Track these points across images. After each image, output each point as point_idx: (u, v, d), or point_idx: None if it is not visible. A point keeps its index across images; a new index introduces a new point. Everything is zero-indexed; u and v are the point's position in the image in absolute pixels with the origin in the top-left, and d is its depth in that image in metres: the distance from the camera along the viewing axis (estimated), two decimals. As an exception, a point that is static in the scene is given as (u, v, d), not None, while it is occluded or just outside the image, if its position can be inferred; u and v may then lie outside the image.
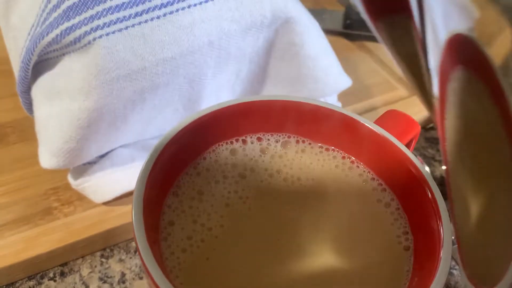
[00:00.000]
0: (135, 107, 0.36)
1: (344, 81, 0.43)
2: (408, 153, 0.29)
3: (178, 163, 0.28)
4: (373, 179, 0.30)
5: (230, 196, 0.28)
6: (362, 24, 0.58)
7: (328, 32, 0.59)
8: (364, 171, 0.30)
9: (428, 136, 0.53)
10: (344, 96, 0.52)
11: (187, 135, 0.28)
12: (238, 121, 0.30)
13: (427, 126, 0.53)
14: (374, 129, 0.30)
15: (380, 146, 0.30)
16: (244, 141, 0.30)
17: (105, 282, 0.39)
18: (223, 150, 0.30)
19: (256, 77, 0.42)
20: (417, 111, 0.52)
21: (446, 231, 0.25)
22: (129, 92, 0.35)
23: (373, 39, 0.59)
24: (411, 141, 0.34)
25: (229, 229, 0.27)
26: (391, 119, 0.33)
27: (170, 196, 0.28)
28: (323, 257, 0.26)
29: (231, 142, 0.30)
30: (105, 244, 0.40)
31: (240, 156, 0.30)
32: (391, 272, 0.26)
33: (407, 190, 0.28)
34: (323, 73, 0.41)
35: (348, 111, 0.30)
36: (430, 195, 0.26)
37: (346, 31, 0.58)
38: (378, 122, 0.32)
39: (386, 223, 0.28)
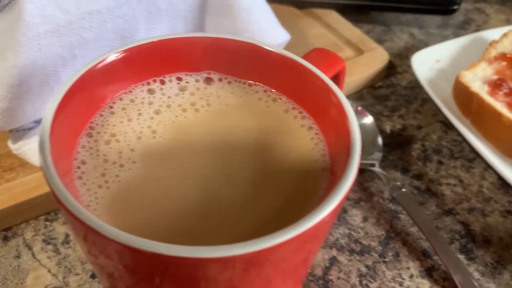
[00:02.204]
0: (66, 64, 0.37)
1: (281, 35, 0.43)
2: (328, 81, 0.29)
3: (91, 103, 0.28)
4: (294, 108, 0.30)
5: (143, 131, 0.28)
6: (309, -8, 0.59)
7: (277, 1, 0.60)
8: (285, 102, 0.30)
9: (376, 94, 0.53)
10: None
11: (100, 74, 0.28)
12: (156, 61, 0.30)
13: (376, 85, 0.54)
14: (296, 60, 0.30)
15: (301, 77, 0.30)
16: (162, 81, 0.30)
17: (48, 243, 0.39)
18: (140, 90, 0.30)
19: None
20: (363, 70, 0.52)
21: (354, 151, 0.25)
22: (57, 47, 0.35)
23: (321, 5, 0.60)
24: (338, 77, 0.35)
25: (142, 163, 0.27)
26: (316, 55, 0.33)
27: (83, 136, 0.28)
28: (242, 182, 0.27)
29: (148, 83, 0.30)
30: (49, 208, 0.40)
31: (158, 95, 0.30)
32: (310, 189, 0.26)
33: (326, 117, 0.29)
34: (259, 26, 0.41)
35: (270, 46, 0.31)
36: (348, 123, 0.26)
37: (294, -1, 0.59)
38: (304, 57, 0.33)
39: (306, 148, 0.28)
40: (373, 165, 0.44)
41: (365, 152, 0.45)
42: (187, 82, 0.31)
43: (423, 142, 0.48)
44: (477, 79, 0.48)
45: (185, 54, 0.30)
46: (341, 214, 0.42)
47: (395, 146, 0.48)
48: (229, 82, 0.31)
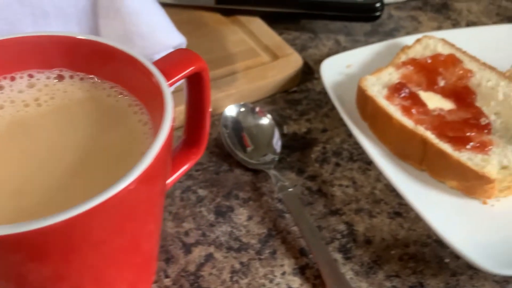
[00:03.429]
0: None
1: (174, 38, 0.45)
2: (153, 70, 0.30)
3: None
4: (126, 96, 0.32)
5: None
6: (234, -1, 0.61)
7: (202, 8, 0.61)
8: (129, 96, 0.32)
9: (289, 98, 0.54)
10: (207, 63, 0.54)
11: None
12: (6, 59, 0.31)
13: (290, 90, 0.55)
14: (128, 53, 0.31)
15: (133, 68, 0.31)
16: (12, 78, 0.32)
17: None
18: (-13, 87, 0.31)
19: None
20: (275, 74, 0.53)
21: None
22: None
23: (246, 13, 0.61)
24: (202, 76, 0.35)
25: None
26: (175, 53, 0.34)
27: None
28: (72, 157, 0.28)
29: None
30: None
31: (6, 92, 0.31)
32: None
33: (153, 102, 0.30)
34: (150, 29, 0.43)
35: (118, 45, 0.32)
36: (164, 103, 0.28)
37: (219, 6, 0.60)
38: (165, 56, 0.34)
39: (136, 127, 0.30)
40: (268, 166, 0.45)
41: (259, 153, 0.46)
42: (37, 79, 0.32)
43: (325, 145, 0.49)
44: (378, 84, 0.49)
45: (37, 52, 0.32)
46: (226, 212, 0.43)
47: (296, 148, 0.49)
48: (81, 79, 0.33)
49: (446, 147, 0.43)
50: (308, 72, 0.57)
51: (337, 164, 0.47)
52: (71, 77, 0.32)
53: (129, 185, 0.24)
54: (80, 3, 0.42)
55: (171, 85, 0.33)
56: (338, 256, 0.40)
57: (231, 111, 0.48)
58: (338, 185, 0.45)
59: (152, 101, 0.30)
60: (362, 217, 0.43)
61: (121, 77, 0.32)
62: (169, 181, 0.38)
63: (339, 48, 0.61)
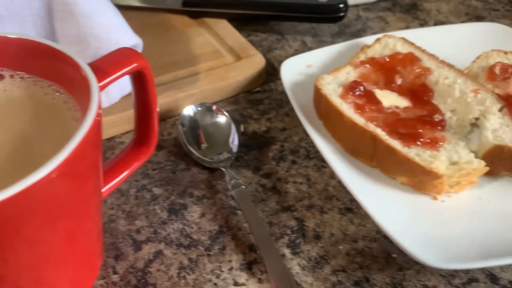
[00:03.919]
0: None
1: (128, 39, 0.45)
2: (83, 65, 0.31)
3: None
4: (63, 93, 0.32)
5: None
6: (201, 2, 0.61)
7: (170, 11, 0.62)
8: (57, 90, 0.33)
9: (251, 98, 0.54)
10: (169, 66, 0.54)
11: None
12: None
13: (253, 90, 0.55)
14: (62, 51, 0.32)
15: (67, 65, 0.32)
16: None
17: None
18: None
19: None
20: (237, 75, 0.54)
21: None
22: None
23: (214, 15, 0.62)
24: (144, 73, 0.36)
25: None
26: (116, 52, 0.35)
27: None
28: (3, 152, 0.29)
29: None
30: None
31: None
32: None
33: (84, 98, 0.31)
34: (104, 30, 0.44)
35: (45, 40, 0.33)
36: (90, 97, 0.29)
37: (185, 8, 0.61)
38: (108, 54, 0.35)
39: (69, 123, 0.31)
40: (223, 164, 0.46)
41: (214, 151, 0.47)
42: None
43: (283, 143, 0.50)
44: (334, 82, 0.49)
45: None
46: (179, 210, 0.43)
47: (255, 147, 0.49)
48: (22, 78, 0.33)
49: (395, 144, 0.43)
50: (273, 73, 0.58)
51: (294, 162, 0.48)
52: (12, 76, 0.33)
53: (48, 174, 0.25)
54: (34, 6, 0.42)
55: (109, 82, 0.33)
56: (287, 252, 0.40)
57: (189, 110, 0.48)
58: (293, 182, 0.46)
59: (83, 97, 0.30)
60: (313, 213, 0.43)
61: (58, 76, 0.33)
62: (117, 180, 0.39)
63: (305, 49, 0.62)
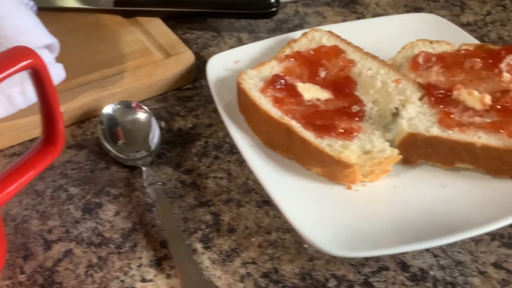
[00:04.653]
0: None
1: (42, 39, 0.45)
2: None
3: None
4: None
5: None
6: (133, 1, 0.61)
7: (103, 11, 0.62)
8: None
9: (180, 96, 0.54)
10: (98, 64, 0.54)
11: None
12: None
13: (183, 87, 0.55)
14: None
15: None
16: None
17: None
18: None
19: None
20: (163, 72, 0.54)
21: None
22: None
23: (148, 14, 0.61)
24: (37, 73, 0.36)
25: None
26: (10, 50, 0.35)
27: None
28: None
29: None
30: None
31: None
32: None
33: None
34: (16, 31, 0.43)
35: None
36: None
37: (117, 8, 0.61)
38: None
39: None
40: (142, 162, 0.45)
41: (132, 149, 0.46)
42: None
43: (208, 139, 0.49)
44: (257, 77, 0.49)
45: None
46: (94, 209, 0.43)
47: (178, 144, 0.49)
48: None
49: (309, 135, 0.43)
50: (205, 70, 0.58)
51: (216, 157, 0.48)
52: None
53: None
54: None
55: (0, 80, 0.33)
56: (199, 246, 0.40)
57: (108, 108, 0.48)
58: (213, 177, 0.46)
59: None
60: (230, 207, 0.43)
61: None
62: (22, 180, 0.39)
63: (240, 46, 0.62)
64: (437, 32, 0.57)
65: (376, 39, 0.57)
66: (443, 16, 0.69)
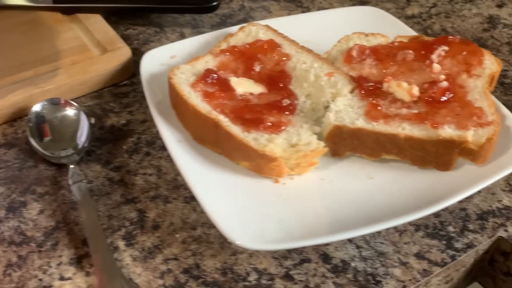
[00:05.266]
0: None
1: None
2: None
3: None
4: None
5: None
6: (72, -3, 0.61)
7: (44, 8, 0.61)
8: None
9: (116, 92, 0.54)
10: (33, 62, 0.53)
11: None
12: None
13: (120, 83, 0.55)
14: None
15: None
16: None
17: None
18: None
19: None
20: (98, 68, 0.53)
21: None
22: None
23: (86, 10, 0.61)
24: None
25: None
26: None
27: None
28: None
29: None
30: None
31: None
32: None
33: None
34: None
35: None
36: None
37: (57, 5, 0.60)
38: None
39: None
40: (68, 159, 0.45)
41: (58, 147, 0.46)
42: None
43: (141, 135, 0.49)
44: (190, 72, 0.49)
45: None
46: (18, 208, 0.42)
47: (110, 140, 0.48)
48: None
49: (235, 129, 0.43)
50: (144, 66, 0.57)
51: (147, 154, 0.47)
52: None
53: None
54: None
55: None
56: (121, 244, 0.40)
57: (37, 106, 0.47)
58: (142, 174, 0.45)
59: None
60: (157, 204, 0.43)
61: None
62: None
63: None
64: (377, 25, 0.57)
65: (316, 33, 0.57)
66: (388, 9, 0.69)
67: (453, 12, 0.68)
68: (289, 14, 0.66)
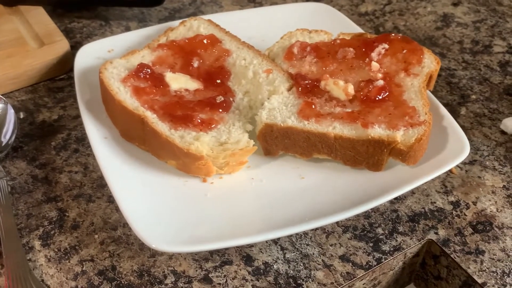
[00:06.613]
0: None
1: None
2: None
3: None
4: None
5: None
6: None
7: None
8: None
9: (52, 86, 0.52)
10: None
11: None
12: None
13: (57, 77, 0.53)
14: None
15: None
16: None
17: None
18: None
19: None
20: (31, 62, 0.51)
21: None
22: None
23: (29, 2, 0.59)
24: None
25: None
26: None
27: None
28: None
29: None
30: None
31: None
32: None
33: None
34: None
35: None
36: None
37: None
38: None
39: None
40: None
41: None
42: None
43: (71, 131, 0.47)
44: (123, 66, 0.47)
45: None
46: None
47: (38, 136, 0.47)
48: None
49: (162, 127, 0.42)
50: (84, 60, 0.56)
51: (76, 151, 0.46)
52: None
53: None
54: None
55: None
56: (37, 244, 0.38)
57: (-39, 101, 0.46)
58: (68, 171, 0.44)
59: None
60: (79, 203, 0.41)
61: None
62: None
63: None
64: (325, 22, 0.56)
65: (262, 28, 0.56)
66: (342, 6, 0.68)
67: (408, 10, 0.67)
68: (240, 9, 0.65)
